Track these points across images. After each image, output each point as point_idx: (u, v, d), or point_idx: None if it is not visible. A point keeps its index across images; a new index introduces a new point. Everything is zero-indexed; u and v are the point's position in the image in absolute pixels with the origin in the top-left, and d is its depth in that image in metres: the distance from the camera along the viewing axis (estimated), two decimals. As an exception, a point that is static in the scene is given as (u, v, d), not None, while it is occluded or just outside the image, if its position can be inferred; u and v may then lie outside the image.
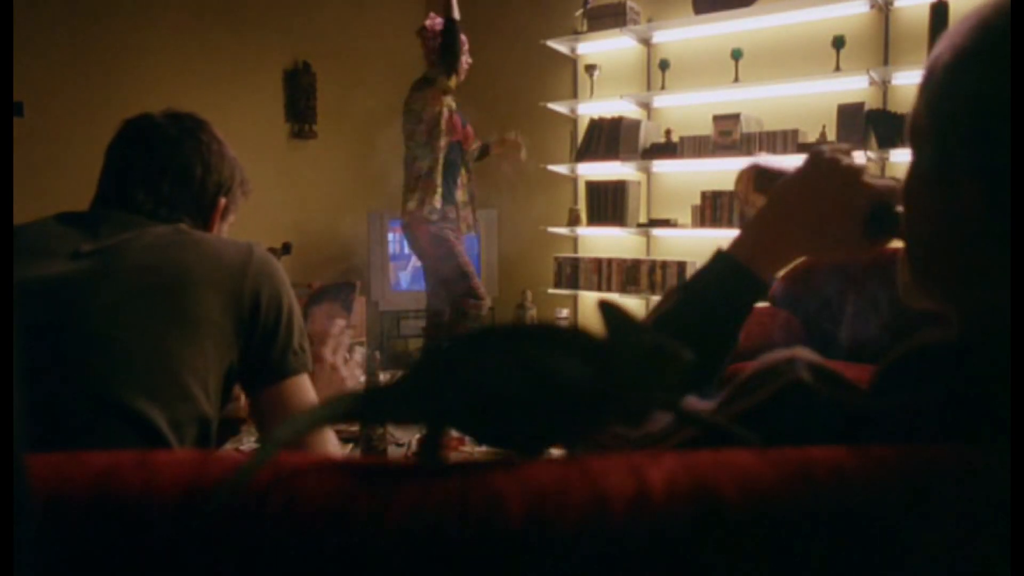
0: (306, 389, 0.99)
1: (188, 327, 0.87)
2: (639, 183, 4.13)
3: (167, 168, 1.01)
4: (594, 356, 0.37)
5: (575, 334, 0.38)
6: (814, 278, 2.31)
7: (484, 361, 0.37)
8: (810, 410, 0.41)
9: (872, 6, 3.38)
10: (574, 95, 4.36)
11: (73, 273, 0.85)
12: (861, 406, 0.41)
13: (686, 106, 3.99)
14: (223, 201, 1.08)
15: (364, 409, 0.42)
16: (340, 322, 1.25)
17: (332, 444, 1.09)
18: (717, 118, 3.68)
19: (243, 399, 1.24)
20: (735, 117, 3.62)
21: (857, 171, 0.61)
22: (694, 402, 0.48)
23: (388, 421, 0.42)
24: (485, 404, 0.37)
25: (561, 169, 4.34)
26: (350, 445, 1.61)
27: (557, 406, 0.37)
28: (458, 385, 0.38)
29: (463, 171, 3.41)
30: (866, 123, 3.30)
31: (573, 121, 4.37)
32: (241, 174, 1.12)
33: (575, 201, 4.38)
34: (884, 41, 3.39)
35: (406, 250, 4.37)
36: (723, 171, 3.80)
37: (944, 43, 0.46)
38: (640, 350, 0.37)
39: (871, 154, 3.30)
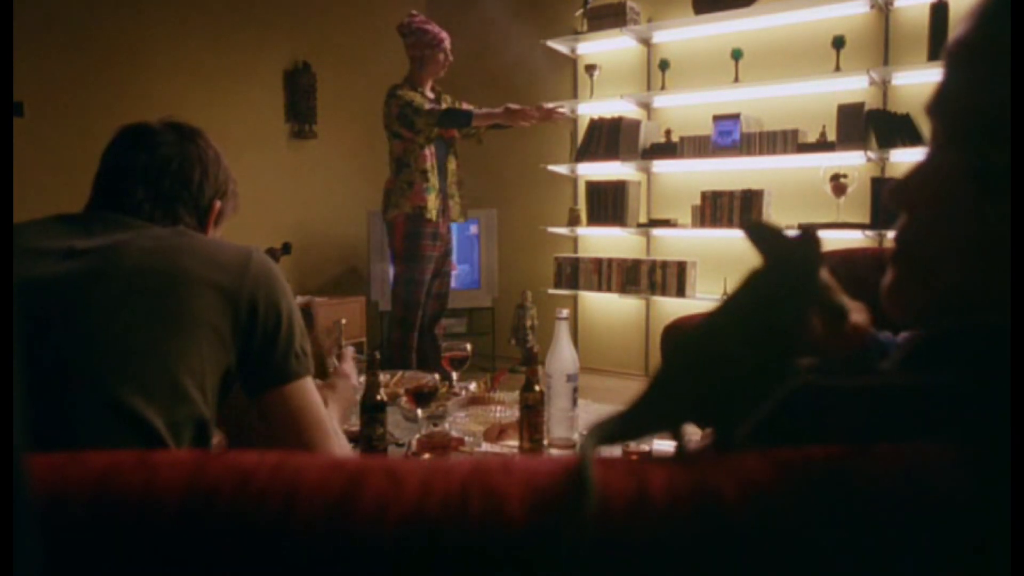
0: (310, 392, 0.99)
1: (185, 328, 0.87)
2: (639, 183, 4.13)
3: (167, 169, 1.02)
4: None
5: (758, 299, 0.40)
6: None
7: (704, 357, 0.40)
8: (825, 409, 0.40)
9: (872, 6, 3.38)
10: (574, 95, 4.36)
11: (68, 272, 0.85)
12: (882, 392, 0.41)
13: (686, 106, 3.99)
14: (218, 204, 1.09)
15: (623, 429, 0.41)
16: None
17: (343, 447, 1.11)
18: (717, 118, 3.68)
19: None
20: (735, 117, 3.63)
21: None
22: None
23: (645, 435, 0.43)
24: (716, 390, 0.39)
25: (561, 169, 4.34)
26: (350, 445, 1.61)
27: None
28: (694, 382, 0.40)
29: (448, 158, 3.48)
30: (866, 123, 3.30)
31: (573, 121, 4.37)
32: (234, 185, 1.13)
33: (575, 201, 4.38)
34: (884, 41, 3.39)
35: (406, 250, 4.37)
36: (723, 171, 3.80)
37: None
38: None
39: (871, 154, 3.30)
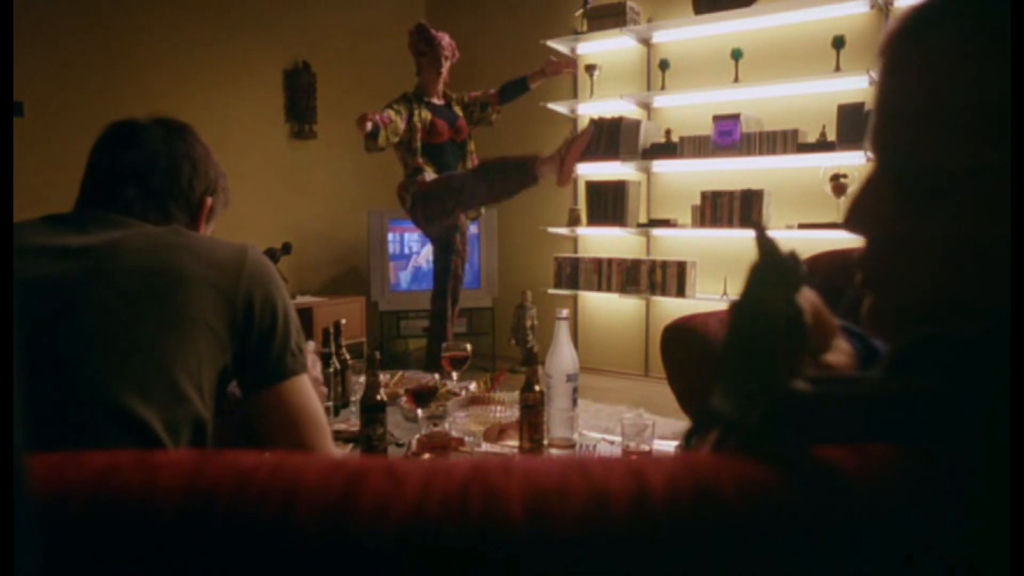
0: (305, 390, 0.99)
1: (181, 327, 0.87)
2: (639, 183, 4.13)
3: (156, 166, 1.01)
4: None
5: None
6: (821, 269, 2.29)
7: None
8: (810, 418, 0.40)
9: (872, 6, 3.38)
10: (574, 95, 4.36)
11: (63, 272, 0.85)
12: (866, 400, 0.41)
13: (686, 106, 3.99)
14: (209, 201, 1.08)
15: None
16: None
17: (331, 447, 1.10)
18: (717, 118, 3.68)
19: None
20: (735, 117, 3.63)
21: None
22: None
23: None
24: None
25: (561, 169, 4.34)
26: (350, 445, 1.61)
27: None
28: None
29: (461, 163, 3.54)
30: (866, 123, 3.29)
31: (573, 121, 4.38)
32: (224, 181, 1.12)
33: (575, 201, 4.38)
34: (884, 41, 3.39)
35: (406, 250, 4.38)
36: (723, 171, 3.80)
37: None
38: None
39: (871, 154, 3.30)
